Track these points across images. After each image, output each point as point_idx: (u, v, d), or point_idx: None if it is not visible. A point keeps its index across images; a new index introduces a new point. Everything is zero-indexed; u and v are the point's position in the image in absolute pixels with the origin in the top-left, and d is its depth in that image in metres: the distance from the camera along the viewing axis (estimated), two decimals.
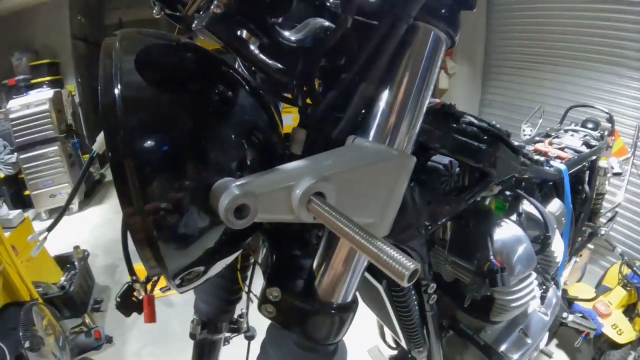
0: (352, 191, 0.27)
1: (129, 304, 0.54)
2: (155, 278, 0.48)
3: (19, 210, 3.09)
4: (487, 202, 0.84)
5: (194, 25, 0.30)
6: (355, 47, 0.34)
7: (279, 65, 0.34)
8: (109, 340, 2.19)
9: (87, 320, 2.22)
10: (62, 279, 2.24)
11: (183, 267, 0.30)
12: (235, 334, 0.79)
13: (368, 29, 0.32)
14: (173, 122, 0.28)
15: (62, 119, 3.97)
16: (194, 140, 0.28)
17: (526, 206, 0.87)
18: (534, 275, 0.79)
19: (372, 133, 0.33)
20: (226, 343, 0.78)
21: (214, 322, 0.70)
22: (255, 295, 0.82)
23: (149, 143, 0.26)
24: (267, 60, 0.33)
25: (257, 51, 0.33)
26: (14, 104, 3.68)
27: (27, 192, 3.83)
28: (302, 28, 0.37)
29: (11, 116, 3.64)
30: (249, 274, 0.70)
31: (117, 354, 2.19)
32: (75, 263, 2.43)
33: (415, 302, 0.65)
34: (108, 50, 0.28)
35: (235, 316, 0.77)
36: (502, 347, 0.86)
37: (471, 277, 0.74)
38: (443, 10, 0.33)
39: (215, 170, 0.29)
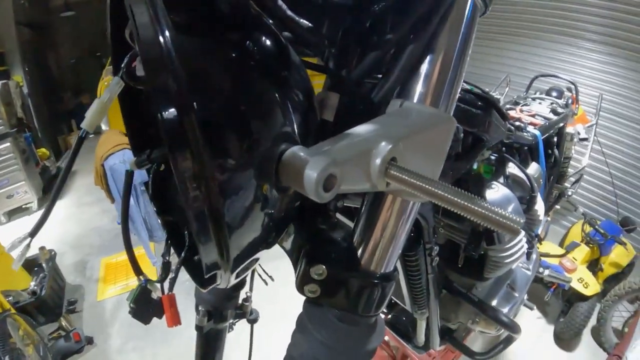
0: (413, 155, 0.26)
1: (146, 308, 0.47)
2: (172, 275, 0.44)
3: None
4: (475, 167, 0.88)
5: None
6: (398, 10, 0.33)
7: (309, 23, 0.31)
8: (90, 341, 2.12)
9: (64, 324, 2.12)
10: (32, 283, 2.12)
11: (243, 255, 0.27)
12: (238, 319, 0.76)
13: None
14: (232, 76, 0.25)
15: (12, 113, 3.66)
16: (256, 96, 0.25)
17: (511, 169, 0.92)
18: (523, 232, 0.85)
19: (417, 96, 0.32)
20: (230, 330, 0.75)
21: (220, 310, 0.67)
22: (267, 277, 0.81)
23: (211, 97, 0.23)
24: (296, 17, 0.31)
25: (285, 6, 0.31)
26: None
27: None
28: None
29: None
30: None
31: (100, 354, 2.12)
32: (43, 265, 2.29)
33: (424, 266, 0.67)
34: None
35: (240, 301, 0.74)
36: (494, 302, 0.92)
37: (467, 237, 0.77)
38: None
39: (278, 136, 0.26)
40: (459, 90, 0.34)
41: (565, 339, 2.24)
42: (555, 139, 1.53)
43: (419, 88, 0.32)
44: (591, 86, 2.87)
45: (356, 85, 0.35)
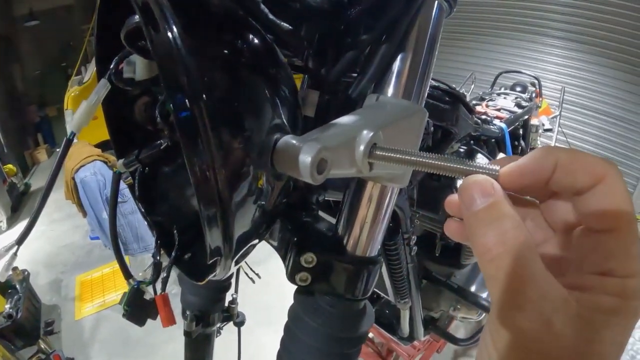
0: (391, 142, 0.29)
1: (139, 310, 0.47)
2: (164, 274, 0.45)
3: None
4: None
5: None
6: (371, 13, 0.35)
7: (289, 26, 0.34)
8: None
9: (43, 346, 2.03)
10: (7, 306, 2.02)
11: (240, 242, 0.29)
12: (226, 323, 0.75)
13: None
14: (230, 72, 0.27)
15: None
16: (252, 91, 0.27)
17: (479, 159, 0.97)
18: None
19: (391, 90, 0.35)
20: (218, 334, 0.74)
21: (207, 314, 0.67)
22: (253, 275, 0.82)
23: (215, 90, 0.25)
24: (277, 21, 0.33)
25: (267, 11, 0.33)
26: None
27: None
28: None
29: None
30: None
31: None
32: (17, 286, 2.19)
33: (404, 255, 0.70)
34: None
35: (226, 303, 0.74)
36: (473, 287, 0.97)
37: (443, 227, 0.81)
38: None
39: (271, 127, 0.28)
40: (429, 85, 0.37)
41: None
42: (520, 131, 1.62)
43: (392, 84, 0.35)
44: (554, 80, 3.03)
45: (334, 83, 0.37)
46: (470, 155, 0.96)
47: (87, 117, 0.38)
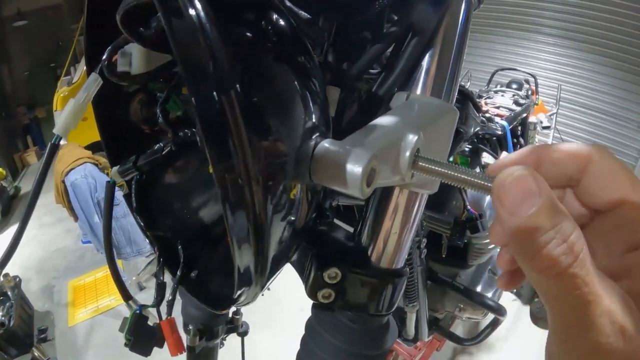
0: (428, 145, 0.26)
1: (144, 338, 0.42)
2: (170, 297, 0.40)
3: None
4: (451, 159, 0.91)
5: None
6: (397, 5, 0.33)
7: (308, 15, 0.29)
8: None
9: (37, 354, 1.99)
10: None
11: (276, 262, 0.24)
12: (229, 334, 0.71)
13: None
14: (262, 52, 0.22)
15: None
16: (284, 80, 0.23)
17: (485, 159, 0.96)
18: None
19: (419, 89, 0.32)
20: (221, 346, 0.71)
21: (211, 327, 0.63)
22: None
23: (248, 74, 0.20)
24: (296, 8, 0.29)
25: None
26: None
27: None
28: None
29: None
30: None
31: None
32: (9, 293, 2.13)
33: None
34: None
35: (230, 314, 0.71)
36: (479, 288, 0.95)
37: (451, 228, 0.79)
38: None
39: (308, 128, 0.23)
40: (459, 82, 0.34)
41: (542, 318, 2.35)
42: (519, 129, 1.61)
43: (421, 81, 0.33)
44: (548, 77, 3.04)
45: (356, 80, 0.34)
46: (476, 154, 0.94)
47: (75, 118, 0.32)
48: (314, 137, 0.23)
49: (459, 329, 2.02)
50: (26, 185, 4.42)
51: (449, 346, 2.09)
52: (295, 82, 0.24)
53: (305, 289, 0.34)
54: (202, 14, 0.19)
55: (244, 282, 0.24)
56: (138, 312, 0.42)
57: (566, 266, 0.17)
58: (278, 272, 0.28)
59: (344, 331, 0.35)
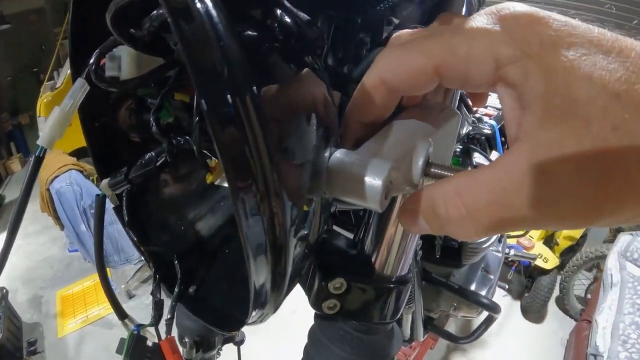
0: (435, 151, 0.25)
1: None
2: (169, 315, 0.38)
3: None
4: None
5: None
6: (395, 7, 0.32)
7: (307, 16, 0.27)
8: None
9: None
10: None
11: (291, 281, 0.23)
12: (226, 344, 0.69)
13: None
14: (271, 51, 0.21)
15: None
16: (294, 83, 0.22)
17: (476, 159, 0.97)
18: None
19: None
20: (217, 356, 0.69)
21: (207, 338, 0.61)
22: None
23: (263, 80, 0.19)
24: (295, 9, 0.27)
25: None
26: None
27: None
28: None
29: None
30: None
31: None
32: None
33: None
34: None
35: None
36: (473, 287, 0.96)
37: None
38: None
39: (322, 136, 0.22)
40: None
41: (533, 312, 2.39)
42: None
43: None
44: None
45: (357, 83, 0.34)
46: (467, 154, 0.95)
47: (61, 128, 0.30)
48: (327, 146, 0.22)
49: (451, 326, 2.03)
50: (10, 193, 4.30)
51: (442, 343, 2.11)
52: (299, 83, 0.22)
53: (309, 300, 0.34)
54: (211, 8, 0.17)
55: (259, 303, 0.22)
56: (135, 332, 0.40)
57: None
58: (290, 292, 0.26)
59: (351, 342, 0.34)
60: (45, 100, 3.53)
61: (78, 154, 2.69)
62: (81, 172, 2.35)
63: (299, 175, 0.20)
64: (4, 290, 2.21)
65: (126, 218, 0.37)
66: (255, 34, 0.20)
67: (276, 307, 0.24)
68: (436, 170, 0.22)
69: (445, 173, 0.22)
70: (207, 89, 0.17)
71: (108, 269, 2.36)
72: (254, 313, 0.23)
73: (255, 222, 0.18)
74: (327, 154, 0.22)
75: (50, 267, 3.03)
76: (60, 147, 2.70)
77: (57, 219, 2.28)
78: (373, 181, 0.20)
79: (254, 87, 0.17)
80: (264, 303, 0.22)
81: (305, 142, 0.21)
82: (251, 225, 0.18)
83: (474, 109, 1.50)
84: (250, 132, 0.17)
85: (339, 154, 0.22)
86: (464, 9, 0.33)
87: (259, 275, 0.20)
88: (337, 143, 0.23)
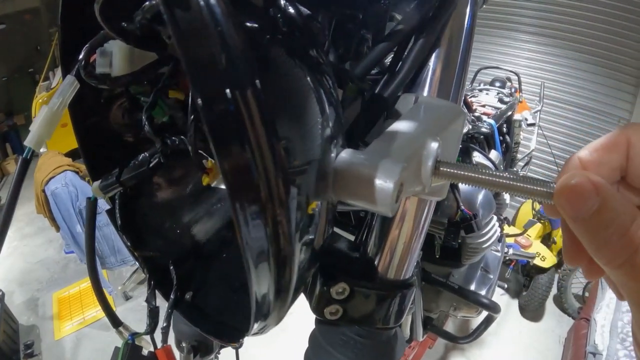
0: (443, 149, 0.24)
1: None
2: (164, 323, 0.36)
3: None
4: None
5: None
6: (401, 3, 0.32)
7: (308, 11, 0.26)
8: None
9: None
10: None
11: (297, 285, 0.21)
12: (224, 347, 0.66)
13: None
14: (274, 44, 0.20)
15: None
16: (301, 75, 0.20)
17: (476, 157, 0.96)
18: (495, 217, 0.88)
19: (426, 90, 0.31)
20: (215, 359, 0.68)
21: (205, 342, 0.59)
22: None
23: (266, 74, 0.17)
24: (296, 4, 0.25)
25: None
26: None
27: None
28: None
29: None
30: None
31: None
32: None
33: None
34: None
35: None
36: (472, 286, 0.95)
37: (445, 229, 0.79)
38: None
39: (328, 136, 0.20)
40: (467, 82, 0.33)
41: (531, 310, 2.39)
42: (505, 127, 1.63)
43: (427, 83, 0.31)
44: (530, 75, 3.10)
45: (360, 80, 0.32)
46: (467, 153, 0.94)
47: (49, 128, 0.28)
48: (333, 146, 0.21)
49: (449, 325, 2.03)
50: (5, 195, 4.26)
51: (441, 342, 2.11)
52: (309, 79, 0.21)
53: (311, 306, 0.32)
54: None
55: (261, 314, 0.21)
56: (130, 341, 0.39)
57: (626, 257, 0.17)
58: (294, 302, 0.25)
59: (354, 347, 0.33)
60: (40, 100, 3.51)
61: (73, 154, 2.67)
62: (77, 173, 2.33)
63: (304, 178, 0.19)
64: (0, 293, 2.19)
65: (119, 222, 0.36)
66: (257, 25, 0.19)
67: (279, 319, 0.22)
68: (446, 169, 0.22)
69: (456, 172, 0.21)
70: (204, 82, 0.15)
71: (104, 271, 2.34)
72: (255, 325, 0.22)
73: (256, 229, 0.17)
74: (333, 155, 0.20)
75: (47, 269, 3.01)
76: (55, 147, 2.67)
77: (52, 220, 2.26)
78: (384, 184, 0.19)
79: (257, 81, 0.16)
80: (266, 315, 0.21)
81: (310, 141, 0.19)
82: (252, 232, 0.17)
83: (473, 107, 1.50)
84: (252, 131, 0.15)
85: (345, 154, 0.21)
86: (468, 7, 0.32)
87: (261, 285, 0.19)
88: (343, 143, 0.22)
